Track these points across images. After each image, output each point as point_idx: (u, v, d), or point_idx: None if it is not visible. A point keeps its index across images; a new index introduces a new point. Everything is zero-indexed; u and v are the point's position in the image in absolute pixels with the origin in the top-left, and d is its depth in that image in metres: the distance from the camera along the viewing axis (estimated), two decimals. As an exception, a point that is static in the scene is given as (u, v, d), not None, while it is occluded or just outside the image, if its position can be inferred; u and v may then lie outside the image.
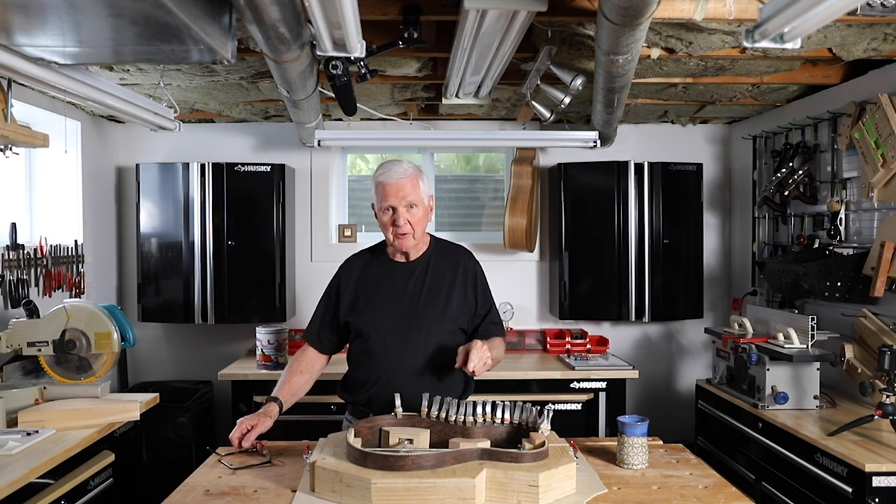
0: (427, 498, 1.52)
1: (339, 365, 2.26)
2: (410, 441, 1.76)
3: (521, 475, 1.57)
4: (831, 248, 3.08)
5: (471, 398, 1.92)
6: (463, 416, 1.80)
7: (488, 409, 1.81)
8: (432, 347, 2.07)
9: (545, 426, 1.75)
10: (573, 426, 3.38)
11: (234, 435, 1.95)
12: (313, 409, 3.38)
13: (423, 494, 1.52)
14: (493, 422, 1.81)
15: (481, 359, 1.88)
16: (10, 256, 2.99)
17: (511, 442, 1.80)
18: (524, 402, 1.86)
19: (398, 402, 1.86)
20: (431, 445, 1.77)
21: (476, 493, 1.53)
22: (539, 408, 1.81)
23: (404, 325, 2.07)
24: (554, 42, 2.59)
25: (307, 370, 2.18)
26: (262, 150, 4.13)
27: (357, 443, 1.69)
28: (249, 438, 1.95)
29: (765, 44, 1.79)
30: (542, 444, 1.69)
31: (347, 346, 2.23)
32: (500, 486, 1.58)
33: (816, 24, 1.66)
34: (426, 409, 1.82)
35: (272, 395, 2.08)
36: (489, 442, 1.73)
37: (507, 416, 1.81)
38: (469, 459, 1.62)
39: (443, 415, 1.80)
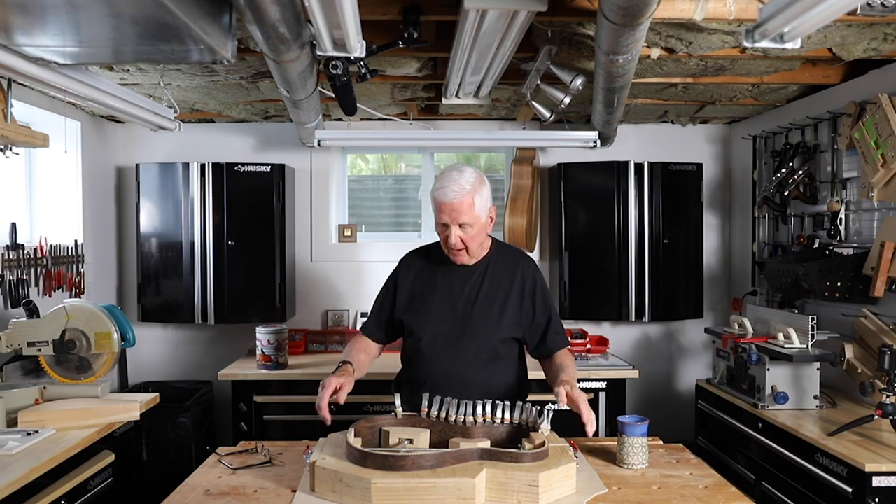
0: (427, 498, 1.52)
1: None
2: (410, 441, 1.76)
3: (521, 475, 1.57)
4: (831, 248, 3.08)
5: (469, 402, 1.89)
6: (463, 416, 1.80)
7: (488, 409, 1.81)
8: (484, 355, 2.07)
9: (545, 426, 1.75)
10: (573, 426, 3.35)
11: (325, 396, 1.84)
12: (313, 409, 3.38)
13: (423, 494, 1.52)
14: (493, 422, 1.81)
15: (590, 410, 1.84)
16: (10, 256, 2.99)
17: (511, 442, 1.79)
18: (524, 402, 1.86)
19: (398, 401, 1.86)
20: (431, 445, 1.77)
21: (476, 492, 1.53)
22: (539, 408, 1.81)
23: (457, 330, 2.07)
24: (554, 42, 2.59)
25: (368, 352, 2.18)
26: (262, 150, 4.13)
27: (357, 443, 1.69)
28: (342, 397, 1.89)
29: (765, 44, 1.79)
30: (542, 444, 1.69)
31: (402, 340, 2.24)
32: (500, 486, 1.58)
33: (816, 24, 1.66)
34: (426, 409, 1.82)
35: (344, 359, 2.04)
36: (489, 442, 1.73)
37: (507, 416, 1.81)
38: (469, 459, 1.62)
39: (443, 415, 1.80)
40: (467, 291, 2.10)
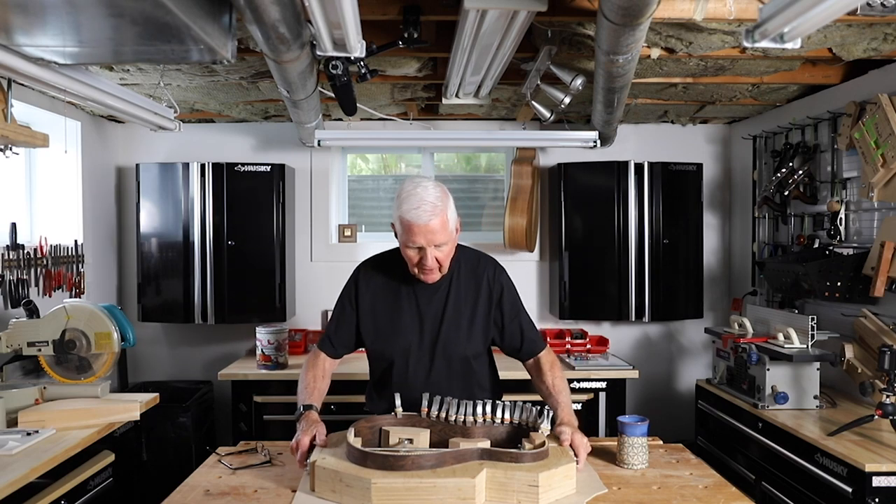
0: (427, 498, 1.52)
1: (342, 365, 2.25)
2: (410, 441, 1.76)
3: (522, 475, 1.57)
4: (831, 248, 3.08)
5: (469, 402, 1.86)
6: (463, 416, 1.79)
7: (488, 409, 1.81)
8: (457, 372, 2.03)
9: (545, 426, 1.75)
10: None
11: (302, 459, 1.77)
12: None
13: (422, 494, 1.52)
14: (493, 422, 1.81)
15: (587, 448, 1.82)
16: (10, 256, 2.99)
17: (511, 442, 1.79)
18: (524, 402, 1.86)
19: (398, 401, 1.86)
20: (431, 445, 1.77)
21: (476, 493, 1.53)
22: (539, 408, 1.81)
23: (428, 353, 2.01)
24: (554, 42, 2.59)
25: (326, 375, 2.09)
26: (262, 150, 4.13)
27: (357, 442, 1.69)
28: (321, 440, 1.79)
29: (765, 44, 1.79)
30: (542, 444, 1.69)
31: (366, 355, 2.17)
32: (500, 486, 1.58)
33: (816, 24, 1.66)
34: (426, 409, 1.82)
35: (305, 403, 1.95)
36: (489, 442, 1.73)
37: (507, 416, 1.81)
38: (469, 459, 1.62)
39: (443, 415, 1.80)
40: (434, 310, 2.02)
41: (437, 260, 1.90)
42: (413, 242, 1.87)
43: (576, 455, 1.77)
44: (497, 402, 1.84)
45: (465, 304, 2.03)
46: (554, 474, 1.60)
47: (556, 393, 2.00)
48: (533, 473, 1.57)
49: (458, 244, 2.06)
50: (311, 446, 1.78)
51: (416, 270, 1.95)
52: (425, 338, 2.02)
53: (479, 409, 1.80)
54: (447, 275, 2.02)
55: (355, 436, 1.76)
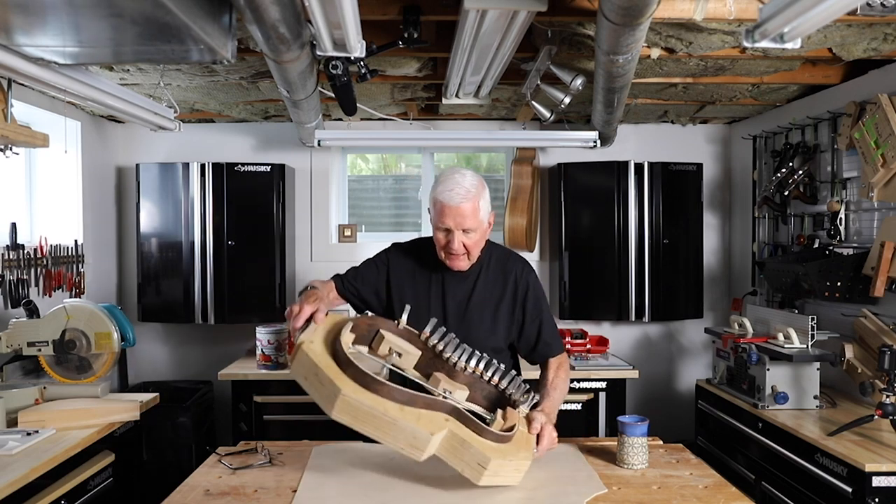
0: (382, 429, 1.53)
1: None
2: (399, 355, 1.75)
3: (476, 451, 1.57)
4: (831, 248, 3.08)
5: (468, 349, 1.81)
6: (455, 359, 1.76)
7: (481, 365, 1.77)
8: None
9: (524, 408, 1.74)
10: (573, 426, 3.38)
11: (298, 324, 1.73)
12: (314, 408, 3.38)
13: (380, 424, 1.53)
14: (482, 377, 1.78)
15: (552, 442, 1.81)
16: (10, 256, 2.99)
17: (489, 403, 1.78)
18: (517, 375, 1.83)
19: (405, 316, 1.82)
20: (416, 368, 1.77)
21: (427, 447, 1.54)
22: (528, 387, 1.79)
23: None
24: (554, 42, 2.59)
25: (332, 295, 2.06)
26: (262, 150, 4.13)
27: (349, 339, 1.67)
28: (320, 318, 1.75)
29: (765, 44, 1.79)
30: (512, 427, 1.68)
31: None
32: (452, 449, 1.58)
33: (816, 24, 1.66)
34: (427, 335, 1.79)
35: (312, 285, 1.92)
36: (468, 391, 1.73)
37: (495, 378, 1.78)
38: (438, 410, 1.61)
39: (440, 346, 1.77)
40: (459, 298, 2.03)
41: (464, 246, 1.93)
42: (443, 223, 1.91)
43: (537, 443, 1.76)
44: (493, 361, 1.80)
45: (490, 297, 2.04)
46: (505, 465, 1.60)
47: (551, 388, 2.00)
48: (487, 455, 1.56)
49: (491, 242, 2.09)
50: (308, 321, 1.73)
51: (443, 254, 1.97)
52: (448, 326, 2.01)
53: (472, 363, 1.77)
54: (476, 266, 2.04)
55: (352, 330, 1.74)
